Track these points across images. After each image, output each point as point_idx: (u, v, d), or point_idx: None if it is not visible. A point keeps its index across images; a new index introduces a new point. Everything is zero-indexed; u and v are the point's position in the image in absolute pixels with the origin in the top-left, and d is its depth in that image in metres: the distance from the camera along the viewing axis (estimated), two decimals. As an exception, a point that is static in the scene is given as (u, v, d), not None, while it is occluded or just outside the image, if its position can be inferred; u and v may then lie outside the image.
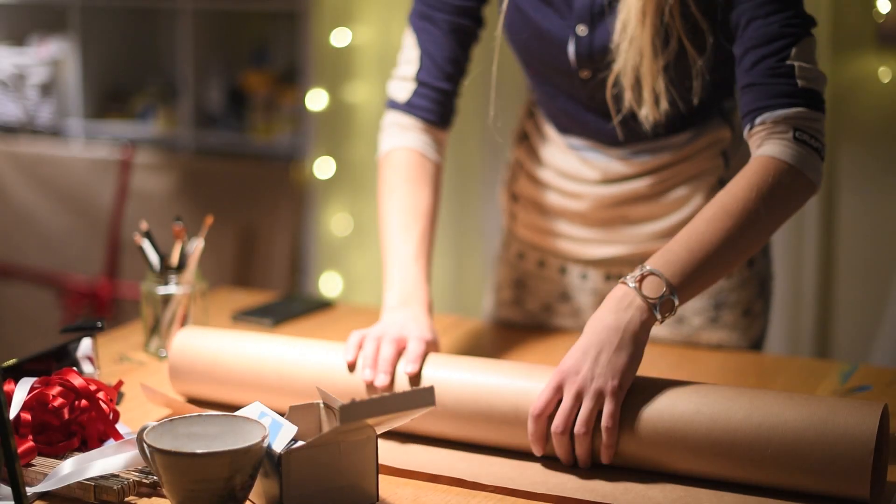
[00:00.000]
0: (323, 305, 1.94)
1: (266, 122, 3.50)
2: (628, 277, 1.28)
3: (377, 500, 1.17)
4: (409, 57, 1.61)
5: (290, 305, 1.92)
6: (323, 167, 3.27)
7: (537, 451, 1.26)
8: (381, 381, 1.34)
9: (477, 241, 3.16)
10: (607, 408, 1.22)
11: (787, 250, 2.72)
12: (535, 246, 1.75)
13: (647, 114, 1.50)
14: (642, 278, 1.27)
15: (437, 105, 1.61)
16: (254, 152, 3.54)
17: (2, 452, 1.03)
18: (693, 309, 1.66)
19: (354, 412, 1.09)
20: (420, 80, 1.60)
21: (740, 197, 1.32)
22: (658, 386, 1.25)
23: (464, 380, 1.31)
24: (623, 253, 1.66)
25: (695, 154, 1.61)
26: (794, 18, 1.38)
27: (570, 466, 1.25)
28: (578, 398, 1.23)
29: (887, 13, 2.61)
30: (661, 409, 1.22)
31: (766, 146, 1.36)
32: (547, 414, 1.24)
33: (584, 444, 1.23)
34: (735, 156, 1.63)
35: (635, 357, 1.25)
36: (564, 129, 1.67)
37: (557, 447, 1.24)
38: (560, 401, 1.24)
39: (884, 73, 2.65)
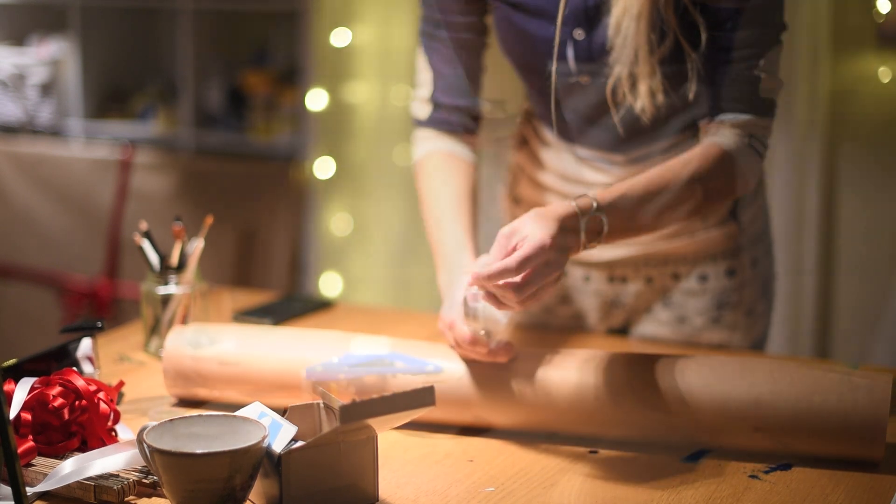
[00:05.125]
0: (323, 305, 1.94)
1: (266, 122, 3.50)
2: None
3: (377, 500, 1.17)
4: (423, 78, 1.64)
5: (290, 305, 1.92)
6: (323, 167, 3.27)
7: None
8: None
9: (477, 241, 3.15)
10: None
11: (788, 250, 2.72)
12: (536, 248, 1.75)
13: (643, 107, 1.49)
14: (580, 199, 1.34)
15: (457, 116, 1.63)
16: (254, 152, 3.53)
17: (2, 452, 1.03)
18: (695, 309, 1.66)
19: (354, 412, 1.09)
20: (436, 101, 1.63)
21: (689, 167, 1.40)
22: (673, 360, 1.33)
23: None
24: (626, 255, 1.65)
25: (694, 155, 1.61)
26: (768, 29, 1.43)
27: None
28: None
29: (887, 13, 2.61)
30: (682, 380, 1.29)
31: (720, 136, 1.44)
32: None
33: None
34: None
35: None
36: (565, 137, 1.66)
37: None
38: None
39: (884, 73, 2.65)
